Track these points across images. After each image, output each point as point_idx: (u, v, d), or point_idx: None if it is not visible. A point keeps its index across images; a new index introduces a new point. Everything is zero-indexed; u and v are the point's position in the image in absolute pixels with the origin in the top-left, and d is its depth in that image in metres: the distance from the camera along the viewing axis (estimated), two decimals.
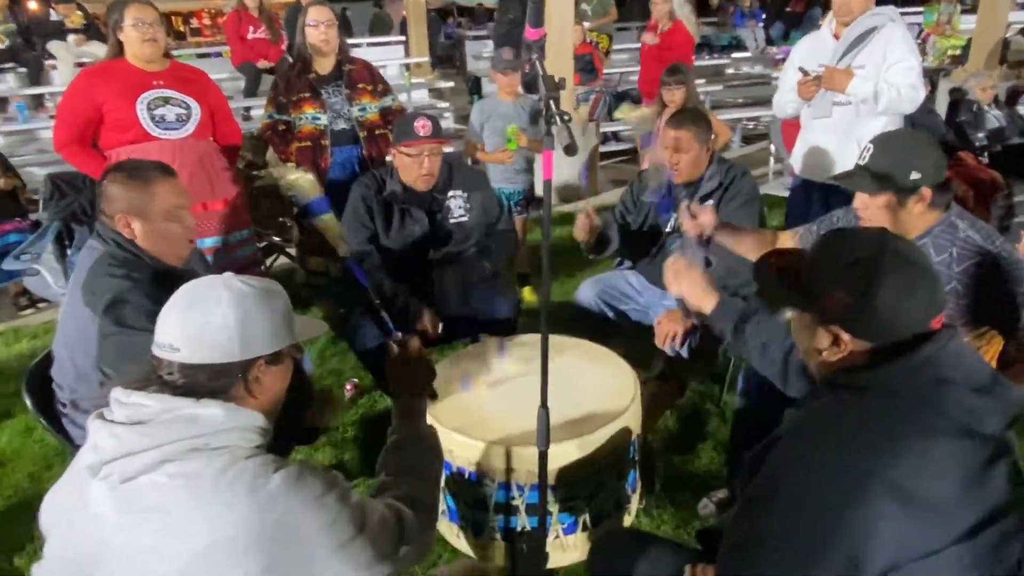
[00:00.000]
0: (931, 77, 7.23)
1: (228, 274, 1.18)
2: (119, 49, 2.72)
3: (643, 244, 2.73)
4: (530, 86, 1.30)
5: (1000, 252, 1.71)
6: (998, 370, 1.82)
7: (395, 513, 1.20)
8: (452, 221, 2.64)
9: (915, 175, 1.75)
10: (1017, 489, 1.02)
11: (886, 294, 1.04)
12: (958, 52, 8.93)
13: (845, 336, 1.09)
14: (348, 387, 2.97)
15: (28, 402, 1.86)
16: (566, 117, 1.20)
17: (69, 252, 3.54)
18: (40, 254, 3.47)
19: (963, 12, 9.78)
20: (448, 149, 2.76)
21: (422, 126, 2.46)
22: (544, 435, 1.46)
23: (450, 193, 2.64)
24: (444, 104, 8.35)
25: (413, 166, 2.50)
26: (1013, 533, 0.99)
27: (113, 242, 1.81)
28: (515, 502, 1.84)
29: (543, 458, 1.51)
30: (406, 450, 1.42)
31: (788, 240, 2.22)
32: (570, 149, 1.19)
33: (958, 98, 5.07)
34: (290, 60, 3.23)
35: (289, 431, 1.90)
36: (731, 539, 1.07)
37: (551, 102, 1.17)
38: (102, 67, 2.78)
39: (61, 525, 1.07)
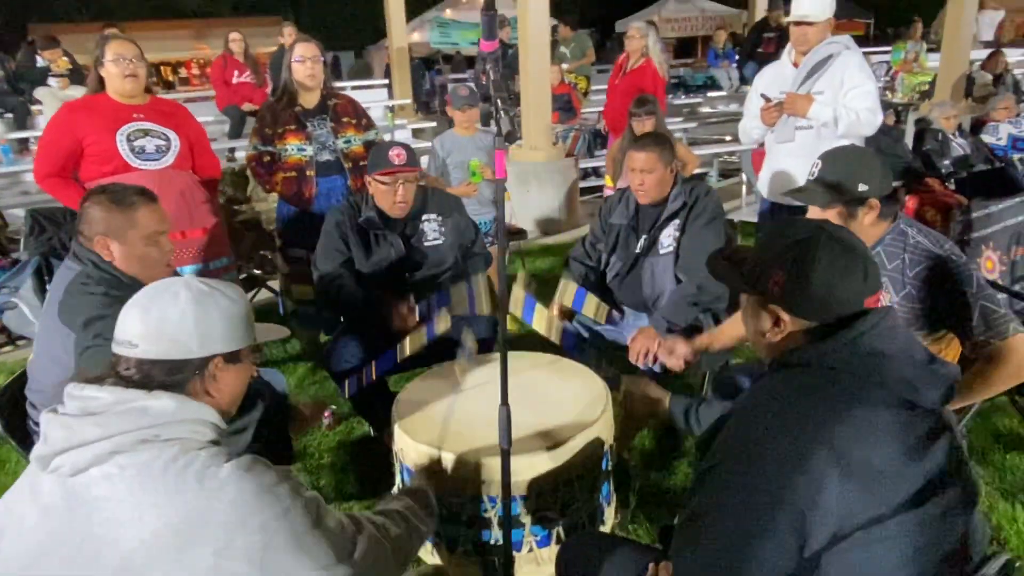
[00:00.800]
0: (897, 111, 7.47)
1: (189, 275, 1.21)
2: (100, 84, 2.79)
3: (616, 279, 2.80)
4: (487, 96, 1.36)
5: (949, 255, 1.77)
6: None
7: (356, 525, 1.20)
8: (427, 244, 2.69)
9: (863, 187, 1.83)
10: (959, 466, 1.06)
11: (821, 273, 1.10)
12: (926, 87, 9.25)
13: (785, 316, 1.14)
14: (326, 414, 2.96)
15: None
16: (511, 112, 1.26)
17: (48, 287, 3.54)
18: (19, 288, 3.48)
19: (929, 50, 10.16)
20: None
21: (396, 155, 2.52)
22: (506, 433, 1.48)
23: (424, 217, 2.69)
24: (427, 144, 8.50)
25: (388, 194, 2.56)
26: (956, 508, 1.03)
27: (90, 262, 1.84)
28: (487, 515, 1.84)
29: (505, 457, 1.52)
30: (413, 497, 1.45)
31: None
32: (510, 136, 1.25)
33: (923, 128, 5.23)
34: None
35: (264, 450, 1.91)
36: (682, 517, 1.10)
37: (498, 100, 1.24)
38: (83, 102, 2.84)
39: (13, 524, 1.07)
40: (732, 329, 2.23)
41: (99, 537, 0.99)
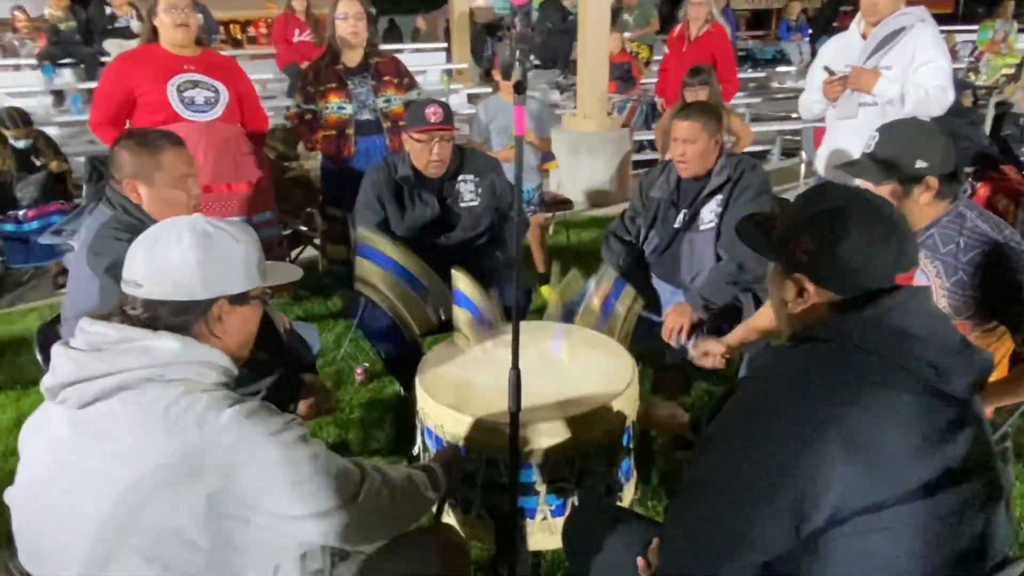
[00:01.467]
0: (976, 92, 7.03)
1: (197, 215, 1.21)
2: (153, 34, 2.84)
3: (655, 253, 2.72)
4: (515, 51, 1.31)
5: (1008, 242, 1.65)
6: (1009, 368, 1.77)
7: (361, 471, 1.19)
8: (462, 205, 2.66)
9: (921, 164, 1.72)
10: (983, 460, 0.98)
11: (851, 242, 1.03)
12: (1012, 70, 8.68)
13: (809, 286, 1.07)
14: (358, 371, 3.01)
15: (39, 358, 1.94)
16: (527, 64, 1.22)
17: None
18: (77, 230, 3.60)
19: (1020, 31, 9.50)
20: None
21: (433, 112, 2.49)
22: (515, 397, 1.47)
23: (461, 177, 2.67)
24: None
25: (423, 152, 2.53)
26: (976, 502, 0.96)
27: (120, 207, 1.88)
28: (502, 480, 1.83)
29: (514, 419, 1.51)
30: (423, 470, 1.44)
31: None
32: (519, 88, 1.22)
33: (1003, 111, 4.92)
34: None
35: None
36: (681, 483, 1.06)
37: (517, 52, 1.19)
38: (137, 52, 2.91)
39: (28, 451, 1.11)
40: (764, 320, 2.15)
41: (100, 472, 1.01)
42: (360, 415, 2.78)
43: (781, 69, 9.77)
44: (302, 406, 1.91)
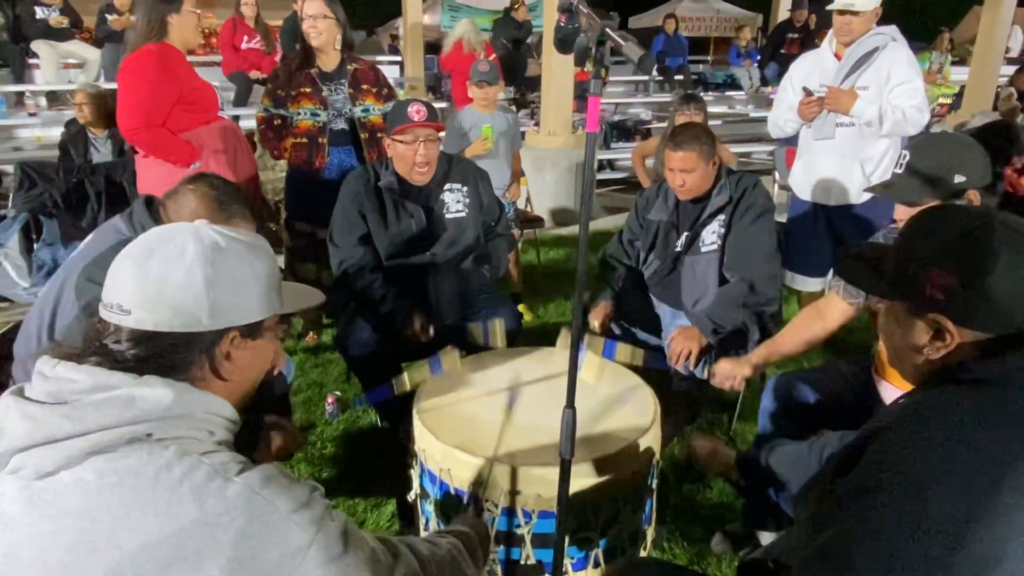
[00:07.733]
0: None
1: (201, 222, 0.95)
2: (163, 32, 2.59)
3: (655, 275, 2.59)
4: (564, 43, 1.10)
5: None
6: None
7: (393, 554, 0.97)
8: (448, 216, 2.47)
9: (960, 178, 1.64)
10: None
11: (1001, 271, 0.86)
12: (949, 100, 9.05)
13: (951, 326, 0.90)
14: (329, 400, 2.74)
15: None
16: (627, 38, 1.00)
17: (36, 246, 3.30)
18: (3, 245, 3.23)
19: (952, 63, 9.95)
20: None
21: (416, 111, 2.31)
22: (569, 440, 1.26)
23: (447, 185, 2.48)
24: None
25: (408, 154, 2.34)
26: None
27: (143, 229, 1.60)
28: (520, 531, 1.63)
29: (565, 468, 1.30)
30: (461, 538, 1.23)
31: (835, 303, 1.95)
32: (644, 61, 0.99)
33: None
34: None
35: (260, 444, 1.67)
36: (819, 540, 0.86)
37: (606, 29, 0.99)
38: (167, 49, 2.60)
39: None
40: (793, 337, 2.02)
41: (64, 565, 0.76)
42: (334, 450, 2.51)
43: (731, 93, 9.94)
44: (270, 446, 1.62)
